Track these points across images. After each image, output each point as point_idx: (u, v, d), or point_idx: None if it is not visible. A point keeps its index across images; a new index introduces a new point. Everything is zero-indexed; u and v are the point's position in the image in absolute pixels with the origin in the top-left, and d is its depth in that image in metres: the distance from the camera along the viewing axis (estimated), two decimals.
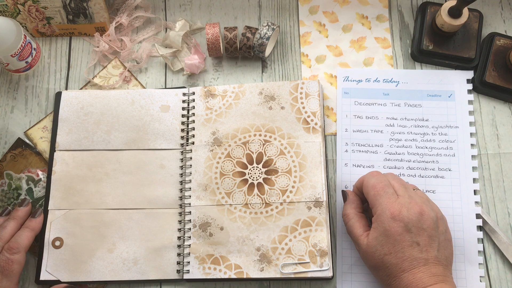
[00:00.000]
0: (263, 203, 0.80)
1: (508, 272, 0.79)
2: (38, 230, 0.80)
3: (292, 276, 0.77)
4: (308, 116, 0.83)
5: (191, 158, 0.83)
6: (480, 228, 0.80)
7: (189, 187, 0.82)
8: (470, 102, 0.86)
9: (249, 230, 0.79)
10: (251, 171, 0.82)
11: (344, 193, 0.79)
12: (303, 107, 0.83)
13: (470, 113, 0.86)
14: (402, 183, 0.74)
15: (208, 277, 0.78)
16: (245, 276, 0.77)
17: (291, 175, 0.81)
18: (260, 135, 0.83)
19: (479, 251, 0.79)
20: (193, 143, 0.84)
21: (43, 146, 0.86)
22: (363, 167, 0.84)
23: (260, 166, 0.82)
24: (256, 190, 0.81)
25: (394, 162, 0.84)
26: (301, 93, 0.84)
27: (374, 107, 0.86)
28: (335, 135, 0.86)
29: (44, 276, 0.79)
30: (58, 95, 0.87)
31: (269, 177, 0.81)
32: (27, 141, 0.87)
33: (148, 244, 0.80)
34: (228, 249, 0.79)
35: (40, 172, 0.85)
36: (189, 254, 0.79)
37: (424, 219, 0.70)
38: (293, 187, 0.80)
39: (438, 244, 0.70)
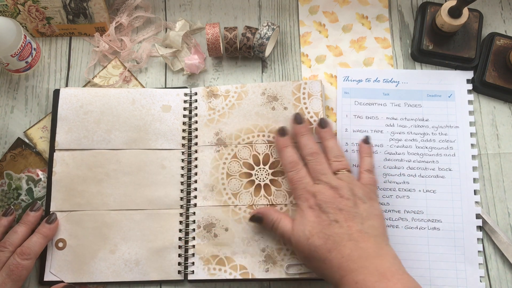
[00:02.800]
0: (268, 204, 0.80)
1: (508, 272, 0.79)
2: (51, 237, 0.79)
3: (297, 276, 0.77)
4: (311, 117, 0.83)
5: (196, 158, 0.83)
6: (480, 228, 0.81)
7: (194, 188, 0.82)
8: (470, 102, 0.86)
9: (253, 231, 0.79)
10: (258, 172, 0.82)
11: (256, 217, 0.77)
12: (306, 108, 0.84)
13: (470, 113, 0.86)
14: (322, 167, 0.75)
15: (214, 277, 0.78)
16: (250, 277, 0.77)
17: None
18: (263, 135, 0.83)
19: (479, 251, 0.80)
20: (196, 143, 0.84)
21: (43, 146, 0.86)
22: None
23: (267, 167, 0.82)
24: (262, 191, 0.81)
25: (394, 162, 0.84)
26: (303, 93, 0.84)
27: (374, 107, 0.86)
28: (335, 135, 0.86)
29: (48, 277, 0.79)
30: (56, 93, 0.86)
31: (275, 178, 0.81)
32: (27, 141, 0.86)
33: (150, 245, 0.80)
34: (233, 250, 0.79)
35: (40, 172, 0.84)
36: (194, 255, 0.79)
37: (339, 200, 0.71)
38: None
39: (361, 218, 0.70)
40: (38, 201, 0.82)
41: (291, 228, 0.73)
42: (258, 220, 0.77)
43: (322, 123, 0.80)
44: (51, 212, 0.81)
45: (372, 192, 0.75)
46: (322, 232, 0.69)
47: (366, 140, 0.81)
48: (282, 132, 0.80)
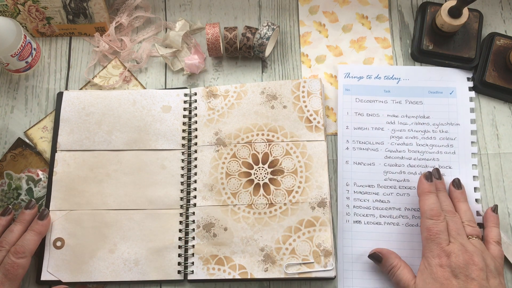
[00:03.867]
0: (267, 204, 0.80)
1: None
2: (44, 233, 0.79)
3: (297, 276, 0.77)
4: (311, 115, 0.83)
5: (196, 158, 0.83)
6: (480, 225, 0.80)
7: (194, 188, 0.82)
8: (471, 99, 0.86)
9: (253, 231, 0.79)
10: (257, 171, 0.82)
11: (375, 255, 0.77)
12: (305, 106, 0.84)
13: (471, 110, 0.86)
14: (458, 227, 0.73)
15: (213, 277, 0.78)
16: (249, 277, 0.77)
17: (297, 175, 0.81)
18: (263, 134, 0.83)
19: None
20: (195, 143, 0.84)
21: (43, 146, 0.86)
22: (364, 165, 0.84)
23: (266, 166, 0.82)
24: (262, 191, 0.81)
25: (395, 160, 0.84)
26: (303, 91, 0.84)
27: (375, 104, 0.86)
28: (335, 135, 0.86)
29: (45, 276, 0.79)
30: (59, 95, 0.87)
31: (274, 177, 0.81)
32: (27, 141, 0.86)
33: (149, 244, 0.80)
34: (232, 249, 0.78)
35: (40, 172, 0.84)
36: (193, 254, 0.79)
37: (472, 268, 0.68)
38: (299, 187, 0.80)
39: None
40: (33, 199, 0.82)
41: (412, 280, 0.72)
42: (376, 259, 0.77)
43: (457, 184, 0.79)
44: (47, 210, 0.81)
45: (501, 267, 0.72)
46: None
47: (495, 209, 0.79)
48: (428, 177, 0.78)
